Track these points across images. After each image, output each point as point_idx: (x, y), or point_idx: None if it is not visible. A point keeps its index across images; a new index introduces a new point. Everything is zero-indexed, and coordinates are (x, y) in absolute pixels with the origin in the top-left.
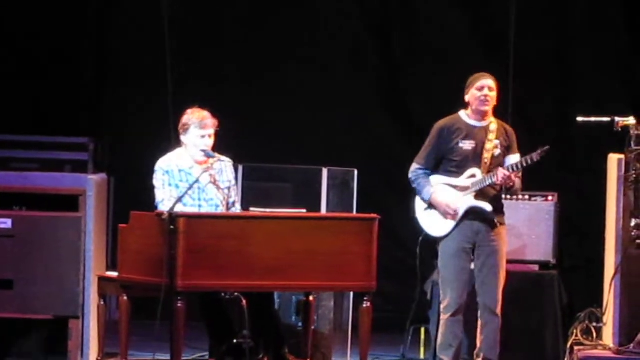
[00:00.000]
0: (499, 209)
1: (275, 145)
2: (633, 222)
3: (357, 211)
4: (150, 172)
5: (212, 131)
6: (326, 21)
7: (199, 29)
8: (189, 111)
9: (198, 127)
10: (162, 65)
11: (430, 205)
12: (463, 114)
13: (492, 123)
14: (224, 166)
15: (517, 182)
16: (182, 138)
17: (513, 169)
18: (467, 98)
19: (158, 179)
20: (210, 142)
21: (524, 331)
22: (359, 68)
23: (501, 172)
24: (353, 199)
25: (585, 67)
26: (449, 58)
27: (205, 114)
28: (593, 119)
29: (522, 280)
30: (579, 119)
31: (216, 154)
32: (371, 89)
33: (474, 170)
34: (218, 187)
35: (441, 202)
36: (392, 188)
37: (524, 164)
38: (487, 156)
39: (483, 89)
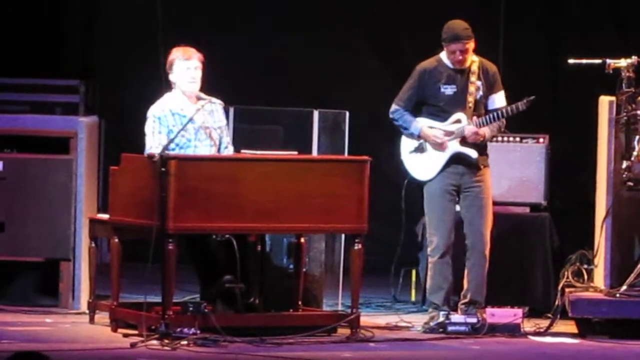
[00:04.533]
0: (482, 152)
1: (266, 87)
2: (624, 164)
3: (349, 153)
4: (141, 113)
5: (197, 63)
6: None
7: None
8: (173, 49)
9: (182, 59)
10: (152, 6)
11: (419, 142)
12: (444, 55)
13: (474, 63)
14: (215, 108)
15: (488, 134)
16: (171, 77)
17: (496, 117)
18: (443, 47)
19: (149, 126)
20: (196, 74)
21: (514, 273)
22: (350, 9)
23: (468, 131)
24: (344, 141)
25: (576, 8)
26: (440, 1)
27: (189, 48)
28: (584, 61)
29: (513, 223)
30: (570, 61)
31: (206, 96)
32: (362, 30)
33: (459, 115)
34: (210, 131)
35: (431, 134)
36: (384, 130)
37: (510, 112)
38: (470, 100)
39: (455, 53)
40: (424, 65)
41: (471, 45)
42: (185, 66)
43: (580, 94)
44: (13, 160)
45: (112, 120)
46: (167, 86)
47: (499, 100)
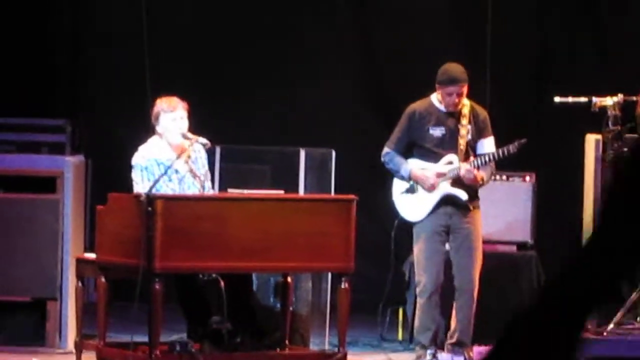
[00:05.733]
0: (473, 194)
1: (252, 126)
2: None
3: (335, 192)
4: (128, 153)
5: (182, 113)
6: (303, 3)
7: (175, 11)
8: (157, 101)
9: (167, 112)
10: (138, 48)
11: (410, 183)
12: (434, 98)
13: (464, 107)
14: (198, 153)
15: (486, 178)
16: (157, 129)
17: (487, 161)
18: (437, 89)
19: (136, 175)
20: (182, 124)
21: (501, 312)
22: (336, 49)
23: (463, 170)
24: (331, 180)
25: (563, 48)
26: (427, 40)
27: (173, 98)
28: (570, 99)
29: (499, 261)
30: (557, 99)
31: (193, 136)
32: (348, 69)
33: (451, 157)
34: (195, 175)
35: (421, 175)
36: (370, 169)
37: (500, 155)
38: (462, 142)
39: (452, 95)
40: (414, 106)
41: (466, 88)
42: (171, 117)
43: (567, 132)
44: (0, 200)
45: (98, 159)
46: (154, 127)
47: (488, 145)
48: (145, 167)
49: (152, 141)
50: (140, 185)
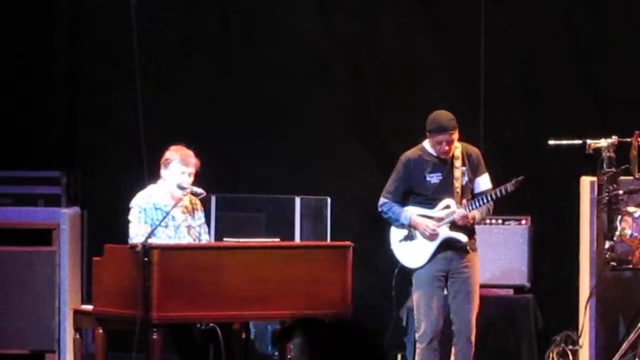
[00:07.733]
0: (470, 235)
1: (247, 174)
2: (607, 244)
3: (331, 239)
4: (124, 204)
5: (192, 170)
6: (295, 50)
7: (169, 59)
8: (172, 147)
9: (180, 164)
10: (133, 98)
11: (408, 230)
12: (427, 144)
13: (456, 149)
14: (196, 205)
15: (478, 216)
16: (163, 172)
17: (484, 202)
18: (427, 137)
19: (134, 215)
20: (189, 180)
21: (500, 355)
22: (330, 95)
23: (457, 215)
24: (327, 227)
25: (557, 89)
26: (421, 85)
27: (189, 152)
28: (564, 141)
29: (497, 305)
30: (551, 142)
31: (188, 185)
32: (343, 116)
33: (448, 201)
34: (190, 228)
35: (422, 223)
36: (366, 215)
37: (498, 195)
38: (457, 185)
39: (441, 144)
40: (408, 155)
41: (456, 135)
42: (181, 170)
43: (561, 175)
44: None
45: (94, 211)
46: (150, 178)
47: (484, 182)
48: (144, 209)
49: (151, 188)
50: (136, 225)
